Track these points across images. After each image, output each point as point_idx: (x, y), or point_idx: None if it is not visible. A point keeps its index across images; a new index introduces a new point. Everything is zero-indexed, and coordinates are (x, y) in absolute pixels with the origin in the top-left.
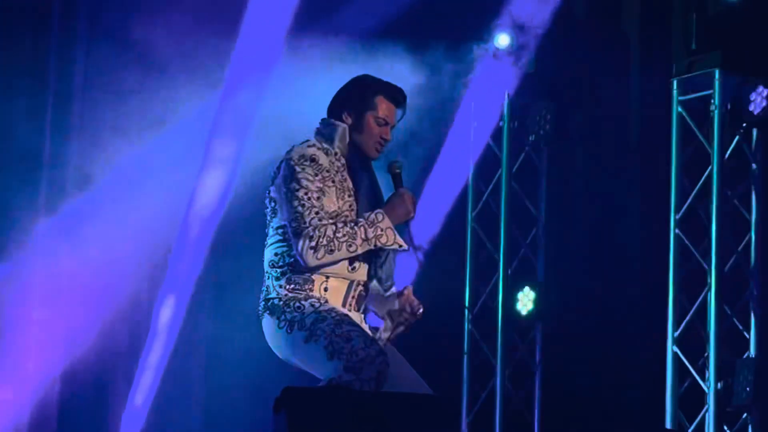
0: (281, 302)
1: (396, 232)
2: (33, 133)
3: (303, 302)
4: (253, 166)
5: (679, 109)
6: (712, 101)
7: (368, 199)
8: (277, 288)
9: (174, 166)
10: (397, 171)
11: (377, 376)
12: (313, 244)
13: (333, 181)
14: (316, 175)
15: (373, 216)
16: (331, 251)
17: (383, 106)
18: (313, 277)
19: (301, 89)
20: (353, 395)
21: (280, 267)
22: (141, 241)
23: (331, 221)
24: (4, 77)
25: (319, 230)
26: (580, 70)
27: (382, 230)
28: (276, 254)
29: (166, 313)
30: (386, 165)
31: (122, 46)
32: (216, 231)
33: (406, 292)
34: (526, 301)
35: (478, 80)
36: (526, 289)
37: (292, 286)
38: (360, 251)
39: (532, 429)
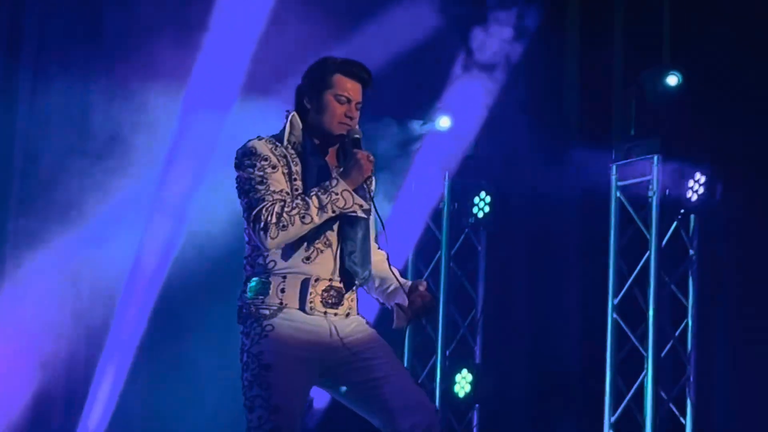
0: (241, 315)
1: (354, 194)
2: None
3: (253, 326)
4: (200, 224)
5: (618, 194)
6: (651, 187)
7: (318, 182)
8: (242, 295)
9: (119, 223)
10: (357, 137)
11: None
12: (262, 224)
13: (274, 167)
14: (254, 165)
15: (327, 183)
16: (284, 227)
17: (341, 84)
18: (270, 279)
19: None
20: None
21: (245, 271)
22: (82, 302)
23: (279, 198)
24: None
25: (266, 209)
26: (520, 153)
27: (337, 194)
28: (244, 257)
29: (106, 379)
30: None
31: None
32: (159, 291)
33: (422, 288)
34: (463, 383)
35: (419, 161)
36: (464, 371)
37: (251, 294)
38: (318, 220)
39: None
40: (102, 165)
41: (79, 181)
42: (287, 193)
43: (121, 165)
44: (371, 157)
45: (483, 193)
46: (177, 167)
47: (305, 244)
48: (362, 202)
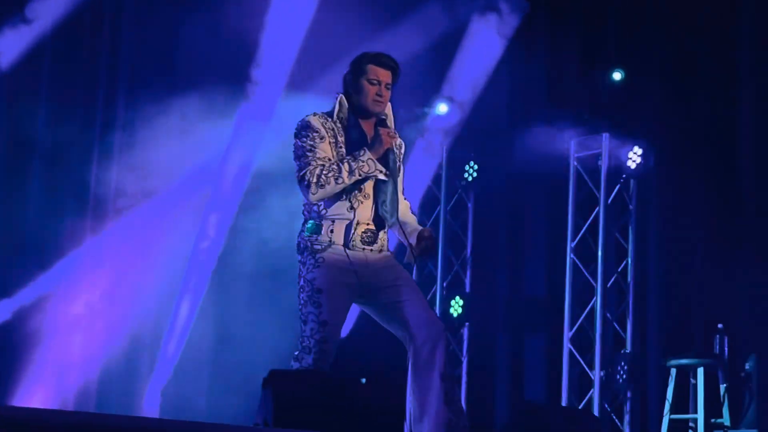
0: (300, 248)
1: (376, 162)
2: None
3: (308, 258)
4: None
5: (575, 163)
6: (600, 158)
7: (357, 149)
8: (301, 233)
9: (189, 194)
10: (383, 117)
11: (313, 364)
12: (306, 183)
13: (322, 138)
14: (307, 136)
15: (357, 152)
16: (322, 185)
17: (373, 70)
18: (322, 222)
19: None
20: (323, 378)
21: (303, 215)
22: (163, 263)
23: (321, 163)
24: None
25: (310, 172)
26: (501, 131)
27: (363, 161)
28: (303, 204)
29: (182, 316)
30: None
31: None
32: (226, 236)
33: (426, 234)
34: (457, 307)
35: (425, 137)
36: (457, 297)
37: (307, 233)
38: (348, 182)
39: (460, 398)
40: (181, 141)
41: (168, 149)
42: (329, 159)
43: (196, 140)
44: (392, 133)
45: (472, 162)
46: (240, 140)
47: (350, 197)
48: (382, 168)
